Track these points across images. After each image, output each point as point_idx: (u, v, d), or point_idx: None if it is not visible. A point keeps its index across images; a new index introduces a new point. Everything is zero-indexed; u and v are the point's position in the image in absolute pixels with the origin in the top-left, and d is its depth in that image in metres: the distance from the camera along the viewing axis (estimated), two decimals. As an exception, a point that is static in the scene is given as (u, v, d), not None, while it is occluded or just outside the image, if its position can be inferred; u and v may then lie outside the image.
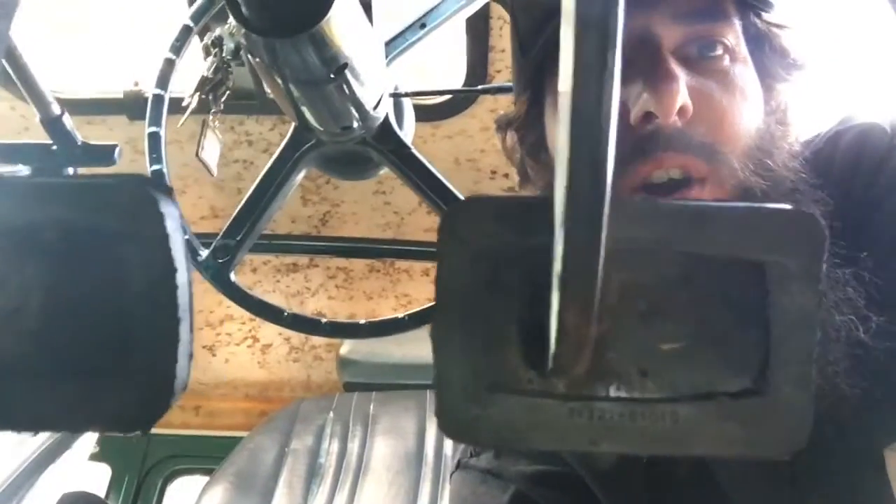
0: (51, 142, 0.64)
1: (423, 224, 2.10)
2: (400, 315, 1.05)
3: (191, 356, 0.28)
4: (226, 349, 2.50)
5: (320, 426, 1.64)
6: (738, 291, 0.27)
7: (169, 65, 1.07)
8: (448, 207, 0.27)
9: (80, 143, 0.64)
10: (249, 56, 0.81)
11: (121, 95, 1.87)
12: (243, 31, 0.74)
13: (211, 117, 0.87)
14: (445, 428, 0.27)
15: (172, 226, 0.26)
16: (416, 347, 1.83)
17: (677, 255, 0.26)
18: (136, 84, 1.88)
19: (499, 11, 1.69)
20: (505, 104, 1.87)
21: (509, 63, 1.82)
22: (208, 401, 2.61)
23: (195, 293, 0.28)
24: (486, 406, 0.27)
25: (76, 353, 0.27)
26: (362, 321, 1.06)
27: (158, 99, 1.02)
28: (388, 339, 1.90)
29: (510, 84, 1.28)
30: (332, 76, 0.79)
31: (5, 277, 0.27)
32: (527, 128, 0.71)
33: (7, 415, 0.27)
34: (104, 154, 0.65)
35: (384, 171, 1.08)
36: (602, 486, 0.67)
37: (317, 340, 2.47)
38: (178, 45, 1.07)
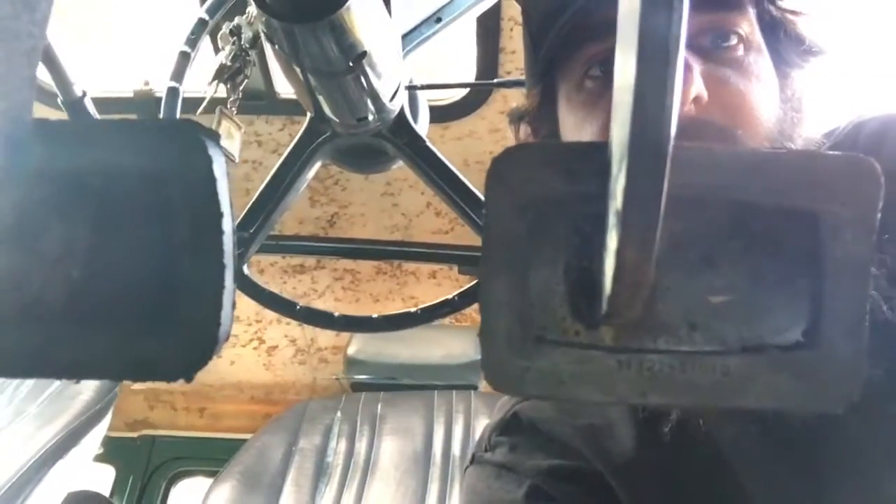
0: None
1: (430, 226, 2.10)
2: (413, 309, 1.05)
3: (234, 305, 0.27)
4: (231, 351, 2.49)
5: (328, 426, 1.63)
6: (790, 241, 0.26)
7: (184, 58, 1.07)
8: (496, 156, 0.26)
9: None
10: (268, 44, 0.81)
11: (131, 94, 1.88)
12: (263, 17, 0.74)
13: (228, 105, 0.87)
14: (492, 380, 0.27)
15: (219, 170, 0.26)
16: (424, 348, 1.83)
17: (729, 203, 0.26)
18: (147, 83, 1.89)
19: (510, 12, 1.69)
20: (516, 104, 1.87)
21: (519, 64, 1.82)
22: (213, 403, 2.60)
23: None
24: (533, 358, 0.27)
25: (119, 300, 0.27)
26: (375, 315, 1.06)
27: (173, 92, 1.01)
28: (396, 340, 1.90)
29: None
30: (350, 65, 0.78)
31: (49, 223, 0.26)
32: (540, 120, 0.71)
33: (49, 362, 0.27)
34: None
35: (398, 164, 1.08)
36: (619, 478, 0.67)
37: (323, 342, 2.47)
38: (194, 39, 1.07)
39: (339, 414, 1.66)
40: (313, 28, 0.74)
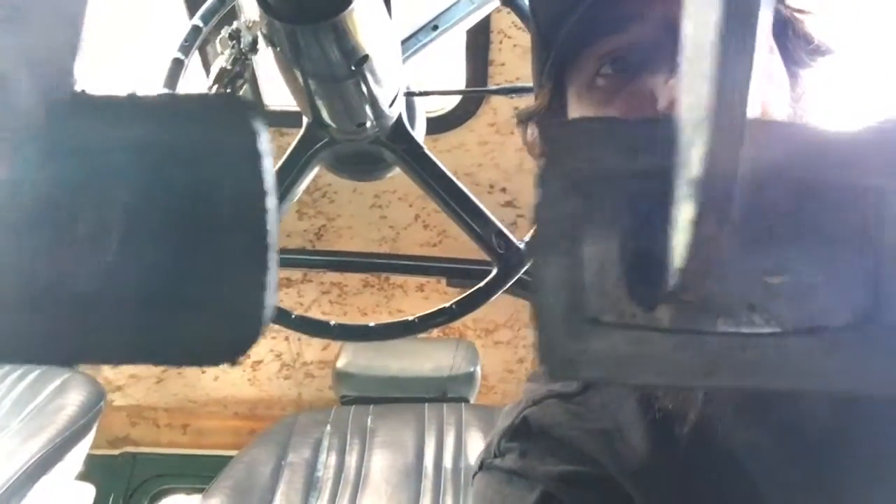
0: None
1: (418, 239, 2.10)
2: (410, 318, 1.04)
3: (276, 287, 0.26)
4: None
5: (317, 439, 1.61)
6: (848, 220, 0.26)
7: (178, 65, 1.06)
8: (550, 130, 0.26)
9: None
10: (269, 48, 0.80)
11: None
12: (265, 20, 0.74)
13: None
14: (549, 365, 0.26)
15: (263, 146, 0.25)
16: (414, 361, 1.81)
17: (787, 180, 0.25)
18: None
19: (499, 25, 1.70)
20: (504, 117, 1.87)
21: (509, 77, 1.83)
22: (196, 419, 2.57)
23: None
24: (589, 340, 0.26)
25: (158, 282, 0.26)
26: (372, 324, 1.05)
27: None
28: (385, 353, 1.89)
29: (528, 85, 1.29)
30: (352, 69, 0.78)
31: (84, 201, 0.25)
32: (549, 120, 0.70)
33: (88, 347, 0.26)
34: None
35: (393, 172, 1.08)
36: (634, 482, 0.66)
37: (308, 357, 2.45)
38: (188, 46, 1.07)
39: (328, 427, 1.64)
40: (315, 30, 0.73)
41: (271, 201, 0.26)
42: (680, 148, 0.22)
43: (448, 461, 1.55)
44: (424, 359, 1.80)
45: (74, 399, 1.64)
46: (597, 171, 0.26)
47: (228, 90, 0.79)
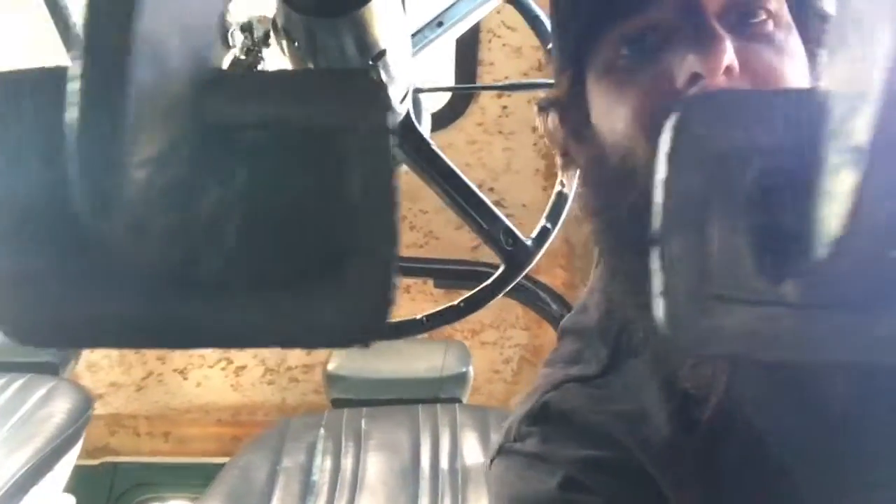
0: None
1: (405, 240, 2.09)
2: (418, 316, 1.03)
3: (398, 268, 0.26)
4: (198, 372, 2.43)
5: (311, 443, 1.59)
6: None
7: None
8: (683, 104, 0.25)
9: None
10: (281, 40, 0.79)
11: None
12: (283, 11, 0.73)
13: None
14: (677, 342, 0.26)
15: (391, 122, 0.25)
16: (406, 363, 1.80)
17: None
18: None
19: (488, 24, 1.70)
20: (492, 116, 1.88)
21: (498, 76, 1.83)
22: (178, 426, 2.53)
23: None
24: (716, 316, 0.26)
25: (283, 264, 0.25)
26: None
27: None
28: (376, 355, 1.87)
29: (548, 80, 1.28)
30: (369, 63, 0.77)
31: (208, 179, 0.24)
32: (569, 107, 0.70)
33: (207, 332, 0.25)
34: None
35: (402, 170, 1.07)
36: (658, 464, 0.66)
37: (293, 361, 2.43)
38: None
39: (322, 431, 1.62)
40: (335, 24, 0.72)
41: (396, 178, 0.25)
42: (836, 118, 0.22)
43: (444, 462, 1.55)
44: (416, 360, 1.79)
45: (62, 407, 1.61)
46: (728, 146, 0.25)
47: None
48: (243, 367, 2.43)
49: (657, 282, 0.26)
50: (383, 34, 0.77)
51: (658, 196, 0.26)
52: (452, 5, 1.05)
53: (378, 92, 0.25)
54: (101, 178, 0.20)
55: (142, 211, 0.22)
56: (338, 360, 1.80)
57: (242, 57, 0.79)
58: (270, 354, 2.40)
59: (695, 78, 0.55)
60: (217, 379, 2.45)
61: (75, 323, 0.24)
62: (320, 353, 2.37)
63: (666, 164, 0.26)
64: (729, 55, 0.54)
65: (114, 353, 2.38)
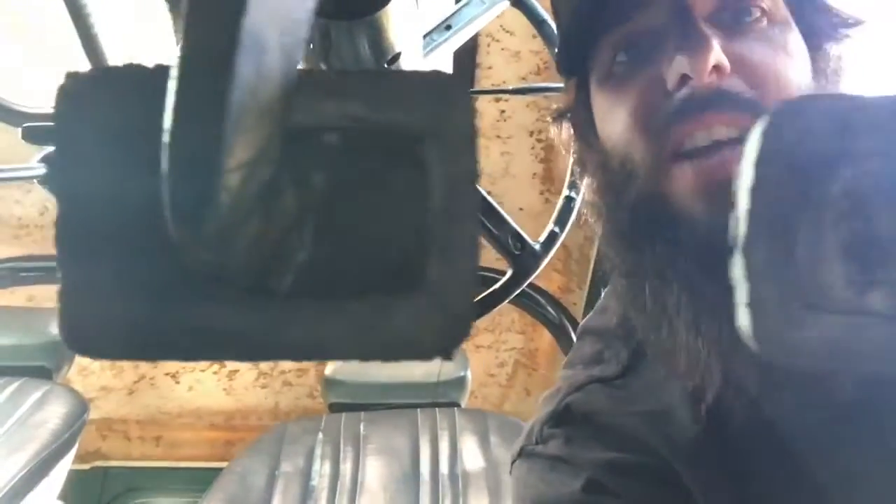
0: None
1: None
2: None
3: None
4: (190, 376, 2.41)
5: (310, 447, 1.58)
6: None
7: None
8: (774, 111, 0.25)
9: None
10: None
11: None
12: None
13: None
14: (766, 351, 0.25)
15: (475, 126, 0.24)
16: (402, 367, 1.79)
17: None
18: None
19: (487, 28, 1.69)
20: (490, 121, 1.87)
21: (496, 80, 1.83)
22: (170, 430, 2.51)
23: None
24: (806, 327, 0.25)
25: (363, 271, 0.24)
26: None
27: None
28: (374, 358, 1.86)
29: (545, 85, 1.28)
30: (384, 66, 0.76)
31: (287, 185, 0.24)
32: (577, 114, 0.70)
33: (282, 342, 0.24)
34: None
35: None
36: (685, 464, 0.65)
37: (286, 365, 2.41)
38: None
39: (320, 435, 1.61)
40: (350, 26, 0.72)
41: (478, 186, 0.24)
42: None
43: (444, 467, 1.54)
44: (413, 364, 1.78)
45: (57, 412, 1.58)
46: (814, 153, 0.25)
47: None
48: (236, 371, 2.41)
49: (742, 292, 0.26)
50: (398, 37, 0.76)
51: (743, 204, 0.26)
52: (460, 9, 1.04)
53: (464, 95, 0.24)
54: (197, 182, 0.20)
55: (230, 217, 0.21)
56: (335, 364, 1.78)
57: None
58: (264, 358, 2.38)
59: (683, 79, 0.55)
60: (209, 383, 2.43)
61: (151, 335, 0.23)
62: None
63: (753, 172, 0.25)
64: (715, 54, 0.54)
65: (105, 356, 2.36)
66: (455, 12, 1.04)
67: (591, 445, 0.69)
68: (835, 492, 0.60)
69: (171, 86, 0.20)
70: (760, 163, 0.25)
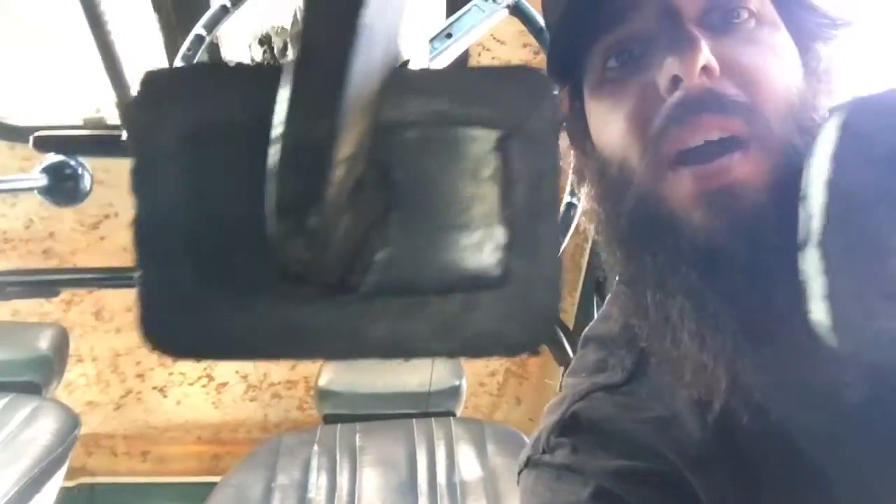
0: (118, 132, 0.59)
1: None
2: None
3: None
4: (178, 389, 2.39)
5: (305, 459, 1.57)
6: None
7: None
8: (851, 107, 0.25)
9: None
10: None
11: (81, 123, 1.79)
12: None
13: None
14: (845, 344, 0.25)
15: (559, 121, 0.24)
16: (397, 377, 1.78)
17: None
18: (98, 111, 1.80)
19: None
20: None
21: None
22: (157, 445, 2.48)
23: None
24: (884, 319, 0.25)
25: (447, 266, 0.24)
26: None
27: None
28: (367, 369, 1.85)
29: None
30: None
31: (370, 180, 0.23)
32: (572, 122, 0.70)
33: (367, 340, 0.24)
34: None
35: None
36: (694, 469, 0.65)
37: (275, 377, 2.39)
38: (191, 55, 1.03)
39: (316, 447, 1.59)
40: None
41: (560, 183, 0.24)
42: None
43: (442, 477, 1.53)
44: (408, 374, 1.78)
45: (48, 427, 1.56)
46: (893, 146, 0.25)
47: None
48: (224, 384, 2.39)
49: (818, 285, 0.26)
50: (406, 44, 0.76)
51: (819, 198, 0.26)
52: (461, 17, 1.05)
53: (548, 90, 0.24)
54: (307, 175, 0.19)
55: (330, 213, 0.21)
56: (329, 375, 1.77)
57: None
58: (252, 370, 2.36)
59: (675, 81, 0.55)
60: (197, 396, 2.41)
61: (236, 334, 0.23)
62: (304, 369, 2.34)
63: (830, 165, 0.25)
64: (704, 55, 0.54)
65: (91, 371, 2.33)
66: (455, 21, 1.04)
67: (598, 453, 0.69)
68: (845, 495, 0.61)
69: (288, 78, 0.20)
70: (837, 156, 0.25)
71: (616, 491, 0.66)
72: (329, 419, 1.74)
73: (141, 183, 0.23)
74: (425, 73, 0.25)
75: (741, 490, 0.64)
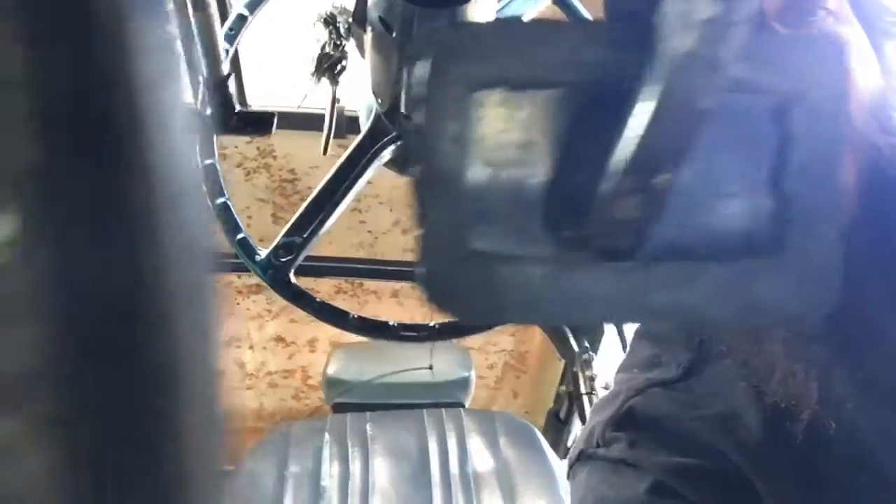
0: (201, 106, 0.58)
1: (396, 244, 2.06)
2: (431, 323, 1.01)
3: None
4: (173, 377, 2.35)
5: (317, 448, 1.56)
6: None
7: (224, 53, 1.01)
8: None
9: (237, 110, 0.58)
10: (366, 30, 0.77)
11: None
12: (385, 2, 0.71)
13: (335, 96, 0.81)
14: None
15: (848, 88, 0.24)
16: (405, 366, 1.78)
17: None
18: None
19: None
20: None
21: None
22: (150, 432, 2.43)
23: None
24: None
25: (724, 233, 0.24)
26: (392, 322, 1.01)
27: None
28: (376, 358, 1.84)
29: None
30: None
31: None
32: None
33: (654, 304, 0.23)
34: (262, 123, 0.59)
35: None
36: (756, 468, 0.65)
37: (272, 366, 2.37)
38: (233, 35, 1.02)
39: (326, 436, 1.58)
40: (435, 15, 0.71)
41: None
42: None
43: (454, 467, 1.53)
44: (417, 363, 1.77)
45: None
46: None
47: (327, 76, 0.76)
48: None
49: None
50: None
51: None
52: (503, 6, 1.04)
53: (838, 56, 0.24)
54: (673, 137, 0.19)
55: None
56: (337, 364, 1.76)
57: (330, 52, 0.77)
58: (250, 359, 2.34)
59: None
60: (191, 385, 2.38)
61: (537, 299, 0.23)
62: (301, 358, 2.33)
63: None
64: None
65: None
66: (504, 6, 1.04)
67: (656, 448, 0.69)
68: None
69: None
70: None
71: (674, 486, 0.66)
72: (338, 408, 1.73)
73: (432, 138, 0.23)
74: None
75: (805, 493, 0.64)
